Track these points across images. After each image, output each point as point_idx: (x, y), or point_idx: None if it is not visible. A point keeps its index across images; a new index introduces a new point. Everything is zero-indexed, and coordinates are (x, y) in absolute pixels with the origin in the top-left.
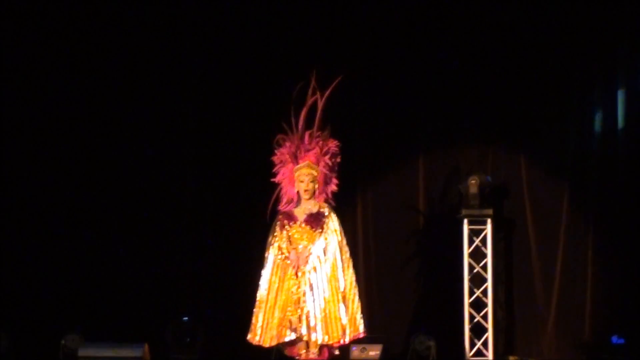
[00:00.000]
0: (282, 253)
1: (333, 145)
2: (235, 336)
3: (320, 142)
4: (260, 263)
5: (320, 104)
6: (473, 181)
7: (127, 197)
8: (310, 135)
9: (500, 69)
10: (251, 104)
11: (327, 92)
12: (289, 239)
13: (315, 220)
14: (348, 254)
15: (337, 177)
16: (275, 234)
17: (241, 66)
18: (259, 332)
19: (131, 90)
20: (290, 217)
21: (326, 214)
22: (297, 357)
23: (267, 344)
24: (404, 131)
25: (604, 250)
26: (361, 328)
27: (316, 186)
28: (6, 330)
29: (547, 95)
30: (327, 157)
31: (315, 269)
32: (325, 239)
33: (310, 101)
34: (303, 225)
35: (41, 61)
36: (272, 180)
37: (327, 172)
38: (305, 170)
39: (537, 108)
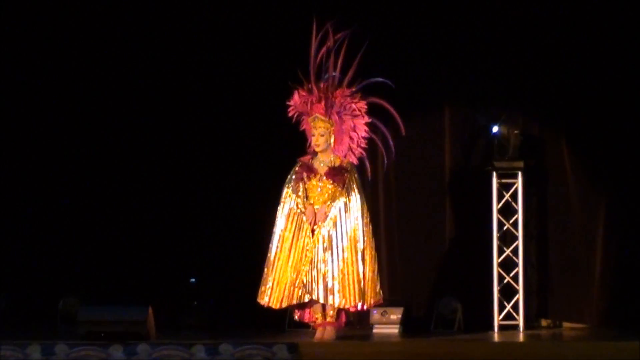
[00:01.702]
0: (298, 207)
1: (340, 95)
2: (246, 300)
3: (327, 94)
4: (273, 219)
5: (322, 54)
6: (503, 131)
7: (129, 154)
8: (318, 87)
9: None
10: (268, 51)
11: (327, 42)
12: (306, 193)
13: (337, 175)
14: (368, 216)
15: (366, 123)
16: (291, 186)
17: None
18: (268, 292)
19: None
20: (310, 169)
21: (348, 169)
22: (311, 323)
23: (276, 305)
24: (428, 82)
25: None
26: (381, 295)
27: (330, 139)
28: (4, 292)
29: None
30: (334, 109)
31: (335, 226)
32: (347, 196)
33: (321, 53)
34: (324, 178)
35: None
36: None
37: (347, 120)
38: (315, 123)
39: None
